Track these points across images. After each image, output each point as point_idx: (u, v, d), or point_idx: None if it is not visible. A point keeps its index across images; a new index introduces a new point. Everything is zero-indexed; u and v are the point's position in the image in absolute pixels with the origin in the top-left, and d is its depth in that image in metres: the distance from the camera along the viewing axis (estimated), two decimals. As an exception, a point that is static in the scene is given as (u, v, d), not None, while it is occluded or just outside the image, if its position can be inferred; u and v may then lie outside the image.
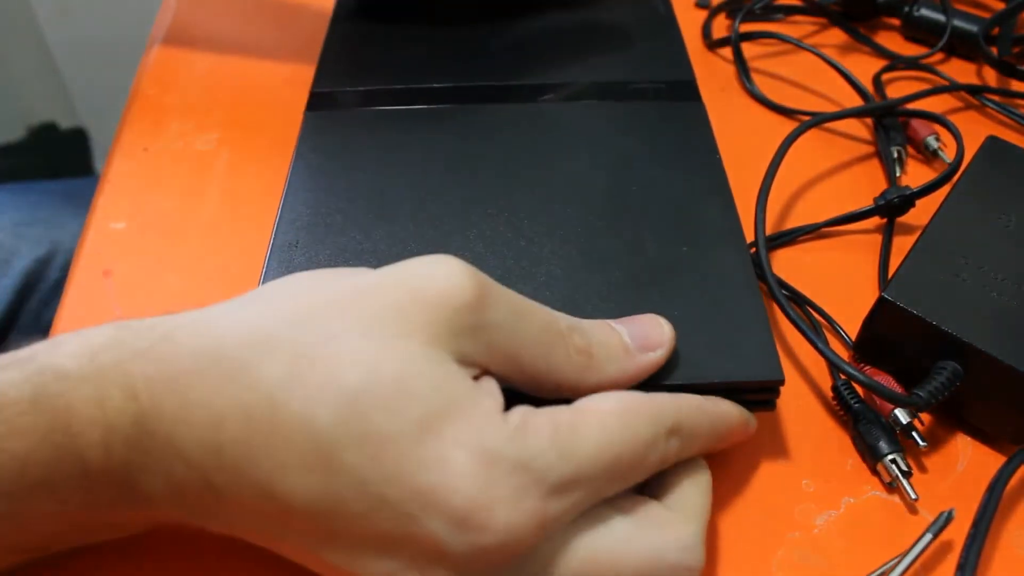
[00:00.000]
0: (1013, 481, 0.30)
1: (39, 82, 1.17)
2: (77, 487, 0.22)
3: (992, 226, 0.34)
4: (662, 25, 0.43)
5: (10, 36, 1.12)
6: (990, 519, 0.28)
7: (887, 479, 0.30)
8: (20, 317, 0.51)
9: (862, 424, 0.31)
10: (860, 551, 0.29)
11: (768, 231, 0.39)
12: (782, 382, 0.28)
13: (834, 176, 0.43)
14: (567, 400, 0.25)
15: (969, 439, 0.32)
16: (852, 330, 0.34)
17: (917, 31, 0.51)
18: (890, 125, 0.44)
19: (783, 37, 0.50)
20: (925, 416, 0.32)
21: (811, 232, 0.39)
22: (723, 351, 0.28)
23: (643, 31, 0.43)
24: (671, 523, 0.25)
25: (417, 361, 0.22)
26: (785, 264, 0.38)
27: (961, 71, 0.50)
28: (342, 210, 0.33)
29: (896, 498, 0.31)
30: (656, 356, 0.27)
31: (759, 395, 0.28)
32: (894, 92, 0.47)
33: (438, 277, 0.23)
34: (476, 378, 0.24)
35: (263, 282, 0.30)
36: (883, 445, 0.30)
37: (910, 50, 0.51)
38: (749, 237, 0.35)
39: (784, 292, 0.34)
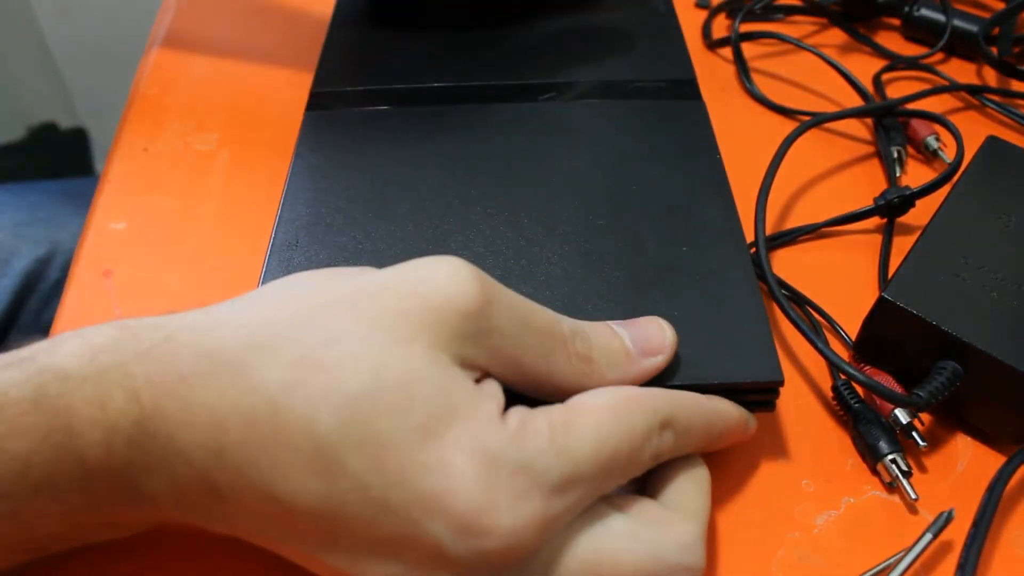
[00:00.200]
0: (1013, 481, 0.30)
1: (39, 82, 1.17)
2: (78, 487, 0.22)
3: (992, 226, 0.34)
4: (663, 24, 0.43)
5: (10, 36, 1.12)
6: (990, 519, 0.28)
7: (887, 479, 0.30)
8: (20, 317, 0.51)
9: (862, 424, 0.31)
10: (860, 551, 0.29)
11: (768, 231, 0.39)
12: (782, 383, 0.28)
13: (834, 176, 0.43)
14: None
15: (969, 439, 0.32)
16: (852, 330, 0.34)
17: (917, 31, 0.51)
18: (890, 125, 0.44)
19: (783, 37, 0.50)
20: (925, 416, 0.32)
21: (811, 232, 0.39)
22: (723, 351, 0.28)
23: (643, 30, 0.43)
24: (671, 523, 0.25)
25: (420, 365, 0.22)
26: (785, 264, 0.38)
27: (961, 71, 0.50)
28: (342, 210, 0.33)
29: (896, 498, 0.31)
30: (657, 361, 0.26)
31: (759, 396, 0.29)
32: (894, 92, 0.47)
33: (443, 280, 0.23)
34: (478, 380, 0.24)
35: (263, 281, 0.30)
36: (883, 445, 0.30)
37: (910, 50, 0.51)
38: (749, 237, 0.35)
39: (784, 292, 0.34)
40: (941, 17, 0.50)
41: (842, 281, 0.38)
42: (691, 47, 0.42)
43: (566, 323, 0.25)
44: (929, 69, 0.49)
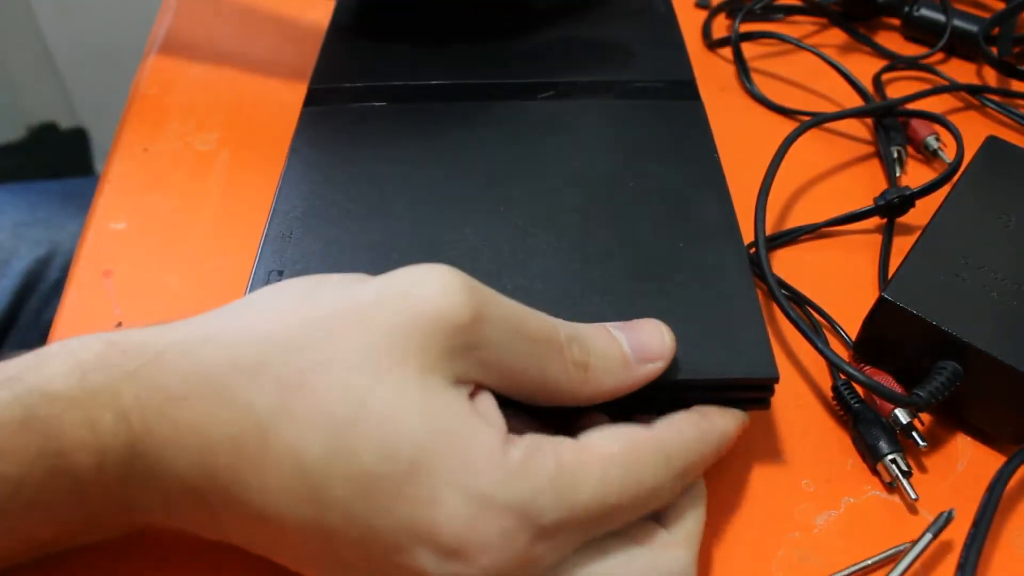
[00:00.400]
0: (1013, 481, 0.30)
1: (39, 82, 1.17)
2: (72, 502, 0.22)
3: (992, 226, 0.34)
4: (662, 24, 0.43)
5: (10, 36, 1.12)
6: (990, 519, 0.28)
7: (887, 479, 0.30)
8: (20, 317, 0.51)
9: (862, 424, 0.31)
10: (860, 551, 0.29)
11: (768, 231, 0.39)
12: (776, 379, 0.27)
13: (834, 176, 0.43)
14: (561, 409, 0.25)
15: (969, 439, 0.32)
16: (852, 330, 0.34)
17: (917, 31, 0.51)
18: (890, 125, 0.44)
19: (783, 37, 0.50)
20: (925, 416, 0.32)
21: (811, 232, 0.39)
22: (717, 347, 0.28)
23: (643, 30, 0.43)
24: (665, 546, 0.24)
25: (409, 393, 0.22)
26: (785, 264, 0.38)
27: (961, 71, 0.50)
28: (336, 203, 0.33)
29: (896, 498, 0.31)
30: (655, 368, 0.26)
31: (754, 392, 0.28)
32: (894, 92, 0.47)
33: (432, 295, 0.22)
34: (472, 395, 0.23)
35: (255, 272, 0.30)
36: (883, 445, 0.30)
37: (910, 50, 0.51)
38: (749, 237, 0.35)
39: (784, 292, 0.34)
40: (941, 17, 0.50)
41: (842, 281, 0.38)
42: (691, 47, 0.42)
43: (562, 329, 0.25)
44: (929, 69, 0.49)
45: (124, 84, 0.48)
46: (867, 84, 0.47)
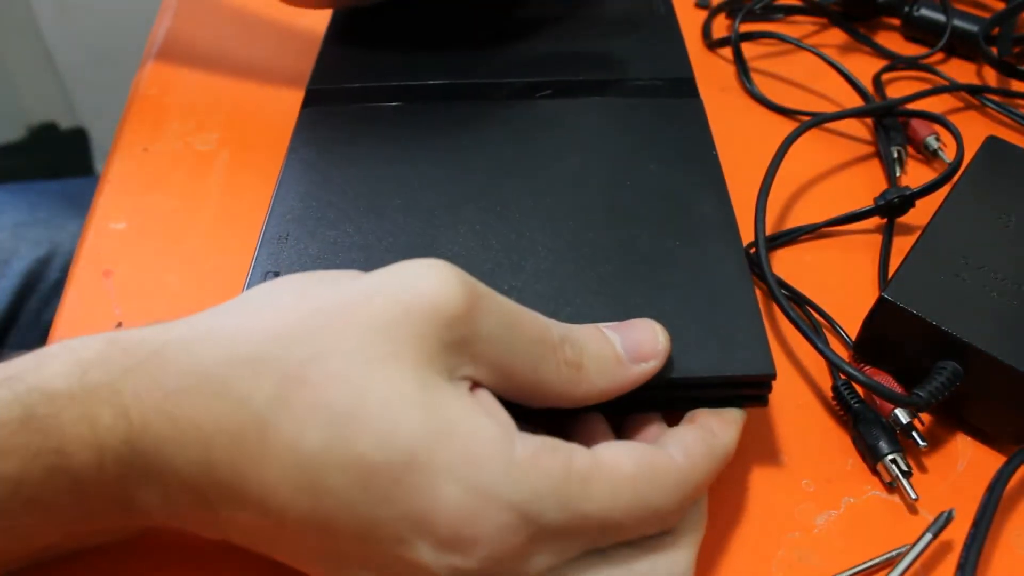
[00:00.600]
0: (1013, 481, 0.30)
1: (39, 82, 1.17)
2: (71, 502, 0.22)
3: (992, 226, 0.34)
4: (661, 23, 0.43)
5: (10, 36, 1.12)
6: (990, 519, 0.28)
7: (887, 479, 0.30)
8: (20, 317, 0.51)
9: (862, 424, 0.31)
10: (860, 551, 0.29)
11: (768, 231, 0.39)
12: (774, 376, 0.27)
13: (834, 176, 0.43)
14: (558, 410, 0.25)
15: (969, 439, 0.32)
16: (852, 330, 0.34)
17: (917, 31, 0.51)
18: (890, 125, 0.44)
19: (783, 37, 0.50)
20: (925, 416, 0.32)
21: (811, 232, 0.39)
22: (714, 345, 0.28)
23: (642, 29, 0.43)
24: (664, 549, 0.24)
25: (407, 383, 0.22)
26: (785, 264, 0.38)
27: (961, 71, 0.50)
28: (334, 204, 0.33)
29: (896, 498, 0.31)
30: (649, 367, 0.26)
31: (751, 390, 0.28)
32: (894, 92, 0.47)
33: (428, 287, 0.22)
34: (472, 391, 0.23)
35: (251, 274, 0.30)
36: (883, 445, 0.30)
37: (910, 50, 0.51)
38: (749, 237, 0.35)
39: (784, 292, 0.34)
40: (941, 17, 0.50)
41: (842, 281, 0.38)
42: (691, 47, 0.42)
43: (555, 328, 0.25)
44: (929, 69, 0.49)
45: (124, 84, 0.48)
46: (867, 84, 0.47)
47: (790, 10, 0.53)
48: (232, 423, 0.21)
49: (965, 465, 0.32)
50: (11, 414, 0.21)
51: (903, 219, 0.39)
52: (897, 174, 0.42)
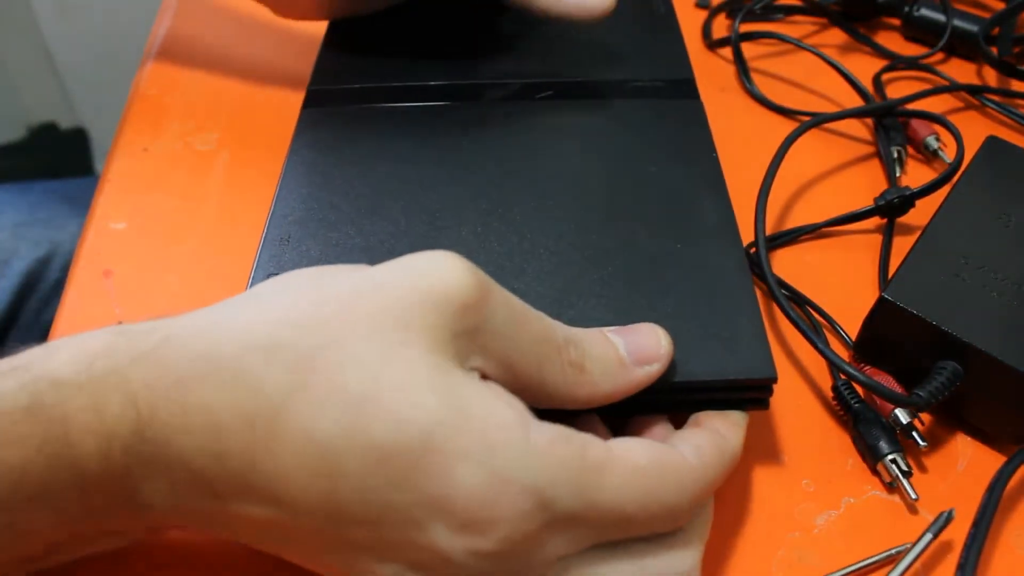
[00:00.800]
0: (1013, 481, 0.30)
1: (39, 82, 1.17)
2: (75, 496, 0.22)
3: (992, 226, 0.34)
4: (661, 24, 0.43)
5: (10, 36, 1.12)
6: (990, 519, 0.28)
7: (887, 479, 0.30)
8: (20, 317, 0.51)
9: (862, 424, 0.31)
10: (860, 551, 0.29)
11: (768, 231, 0.39)
12: (775, 380, 0.27)
13: (834, 176, 0.43)
14: (562, 411, 0.25)
15: (969, 439, 0.32)
16: (852, 330, 0.34)
17: (917, 31, 0.51)
18: (890, 125, 0.44)
19: (783, 37, 0.50)
20: (925, 416, 0.32)
21: (811, 232, 0.39)
22: (715, 349, 0.28)
23: (642, 30, 0.43)
24: (672, 547, 0.24)
25: (422, 368, 0.22)
26: (785, 264, 0.38)
27: (961, 71, 0.50)
28: (335, 205, 0.33)
29: (896, 498, 0.31)
30: (652, 370, 0.26)
31: (752, 393, 0.28)
32: (894, 92, 0.47)
33: (440, 275, 0.23)
34: (482, 380, 0.23)
35: (253, 276, 0.30)
36: (883, 445, 0.30)
37: (910, 50, 0.51)
38: (749, 237, 0.35)
39: (784, 292, 0.34)
40: (941, 17, 0.50)
41: (842, 281, 0.38)
42: (691, 47, 0.42)
43: (560, 330, 0.25)
44: (929, 69, 0.49)
45: (124, 84, 0.48)
46: (867, 84, 0.47)
47: (790, 10, 0.53)
48: (246, 409, 0.21)
49: (965, 465, 0.32)
50: (17, 403, 0.21)
51: (903, 219, 0.39)
52: (897, 174, 0.42)
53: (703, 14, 0.53)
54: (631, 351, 0.26)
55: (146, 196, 0.41)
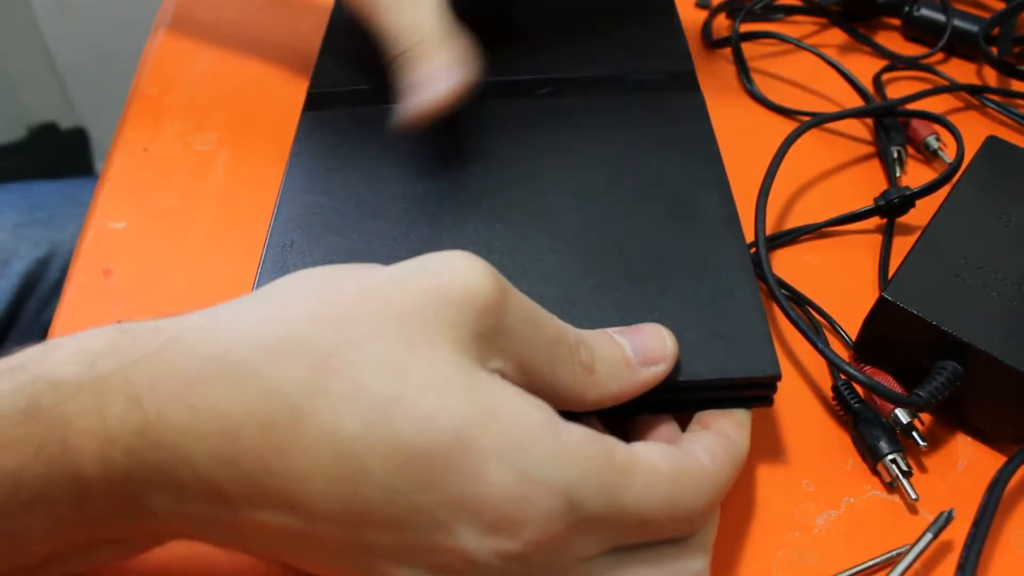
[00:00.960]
0: (1013, 481, 0.30)
1: (39, 82, 1.18)
2: (74, 503, 0.21)
3: (992, 226, 0.34)
4: (661, 17, 0.43)
5: (10, 36, 1.12)
6: (990, 519, 0.28)
7: (887, 479, 0.30)
8: (20, 318, 0.51)
9: (862, 424, 0.31)
10: (860, 551, 0.29)
11: (768, 231, 0.39)
12: (779, 377, 0.27)
13: (834, 176, 0.43)
14: (563, 413, 0.25)
15: (969, 439, 0.32)
16: (852, 330, 0.34)
17: (917, 31, 0.51)
18: (890, 125, 0.44)
19: (783, 37, 0.50)
20: (925, 416, 0.32)
21: (811, 232, 0.39)
22: (719, 347, 0.28)
23: (642, 23, 0.43)
24: (682, 556, 0.24)
25: (447, 367, 0.21)
26: (785, 264, 0.38)
27: (961, 71, 0.50)
28: (337, 210, 0.32)
29: (896, 498, 0.31)
30: (658, 370, 0.26)
31: (756, 391, 0.28)
32: (894, 92, 0.47)
33: (460, 275, 0.22)
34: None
35: (257, 282, 0.30)
36: (883, 445, 0.30)
37: (910, 50, 0.51)
38: (749, 237, 0.35)
39: (784, 292, 0.34)
40: (941, 17, 0.50)
41: (842, 281, 0.38)
42: (691, 47, 0.42)
43: (571, 331, 0.25)
44: (929, 69, 0.49)
45: (124, 84, 0.48)
46: (867, 84, 0.47)
47: (790, 10, 0.53)
48: (261, 411, 0.20)
49: (965, 465, 0.32)
50: (14, 405, 0.20)
51: (903, 219, 0.39)
52: (897, 174, 0.42)
53: (703, 14, 0.53)
54: (637, 352, 0.26)
55: (146, 196, 0.41)
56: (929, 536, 0.28)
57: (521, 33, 0.42)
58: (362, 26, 0.35)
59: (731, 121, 0.43)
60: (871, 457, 0.31)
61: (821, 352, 0.30)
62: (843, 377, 0.33)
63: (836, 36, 0.52)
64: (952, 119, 0.42)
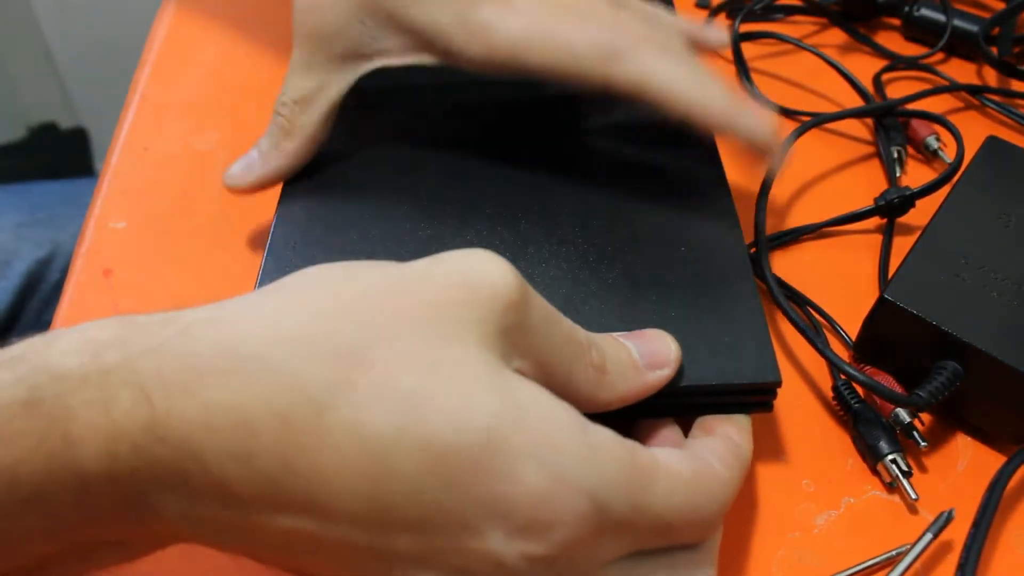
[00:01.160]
0: (1013, 481, 0.30)
1: (39, 82, 1.18)
2: (74, 501, 0.20)
3: (992, 226, 0.34)
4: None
5: (10, 36, 1.12)
6: (990, 519, 0.28)
7: (887, 479, 0.30)
8: (21, 318, 0.52)
9: (862, 424, 0.31)
10: (860, 551, 0.29)
11: (768, 231, 0.39)
12: (779, 384, 0.27)
13: (834, 176, 0.43)
14: None
15: (969, 439, 0.32)
16: (852, 330, 0.34)
17: (917, 31, 0.51)
18: (890, 125, 0.44)
19: (783, 37, 0.50)
20: (925, 416, 0.32)
21: (811, 232, 0.39)
22: (720, 352, 0.28)
23: None
24: (696, 555, 0.24)
25: (476, 365, 0.21)
26: (785, 264, 0.38)
27: (961, 71, 0.50)
28: (339, 210, 0.33)
29: (896, 498, 0.31)
30: (664, 374, 0.26)
31: (756, 396, 0.28)
32: (894, 92, 0.47)
33: (484, 272, 0.22)
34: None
35: (259, 283, 0.30)
36: (883, 445, 0.30)
37: (910, 50, 0.51)
38: (749, 237, 0.35)
39: (784, 292, 0.34)
40: (941, 17, 0.50)
41: (842, 281, 0.38)
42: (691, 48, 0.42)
43: (582, 332, 0.25)
44: (929, 69, 0.49)
45: (124, 84, 0.48)
46: (867, 84, 0.47)
47: (790, 10, 0.53)
48: (279, 405, 0.19)
49: (965, 465, 0.32)
50: (14, 397, 0.19)
51: (903, 219, 0.39)
52: (897, 174, 0.42)
53: (703, 14, 0.53)
54: (643, 355, 0.26)
55: (146, 196, 0.41)
56: (929, 536, 0.28)
57: None
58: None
59: (731, 121, 0.43)
60: (871, 457, 0.31)
61: (821, 352, 0.30)
62: (843, 377, 0.33)
63: (836, 36, 0.52)
64: (952, 119, 0.42)
